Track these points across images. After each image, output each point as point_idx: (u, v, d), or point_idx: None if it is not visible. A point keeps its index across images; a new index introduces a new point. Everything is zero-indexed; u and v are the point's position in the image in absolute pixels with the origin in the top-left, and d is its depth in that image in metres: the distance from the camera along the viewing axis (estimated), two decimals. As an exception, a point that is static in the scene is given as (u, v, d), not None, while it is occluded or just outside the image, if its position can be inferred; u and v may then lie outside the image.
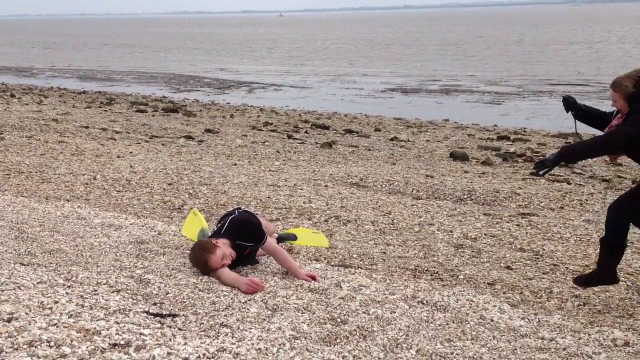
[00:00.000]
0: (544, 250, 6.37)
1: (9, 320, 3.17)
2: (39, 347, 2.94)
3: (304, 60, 43.70)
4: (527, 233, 6.95)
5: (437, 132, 15.90)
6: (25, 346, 2.93)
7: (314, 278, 4.91)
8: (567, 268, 5.84)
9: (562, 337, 4.08)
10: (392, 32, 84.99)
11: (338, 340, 3.72)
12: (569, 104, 5.17)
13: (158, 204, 7.73)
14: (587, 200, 8.70)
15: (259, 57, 47.60)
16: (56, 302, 3.55)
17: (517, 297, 5.02)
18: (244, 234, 5.01)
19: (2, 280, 3.88)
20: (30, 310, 3.36)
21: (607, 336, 4.15)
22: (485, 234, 6.87)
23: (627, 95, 4.66)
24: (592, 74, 30.47)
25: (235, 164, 10.58)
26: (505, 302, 4.80)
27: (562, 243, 6.65)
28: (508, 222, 7.38)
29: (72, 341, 3.01)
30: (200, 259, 4.79)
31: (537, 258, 6.12)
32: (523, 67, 34.85)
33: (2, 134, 12.46)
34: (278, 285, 4.72)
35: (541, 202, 8.49)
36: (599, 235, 6.87)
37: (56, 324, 3.20)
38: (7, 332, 3.04)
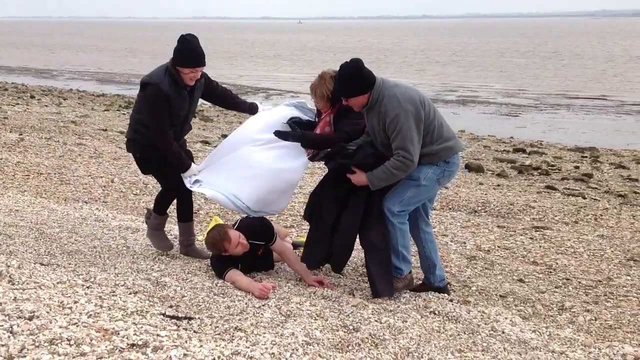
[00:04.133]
0: (557, 264, 6.39)
1: (30, 319, 3.25)
2: (59, 345, 3.01)
3: (322, 68, 43.84)
4: (540, 246, 6.97)
5: (453, 143, 15.93)
6: (46, 344, 3.01)
7: (321, 283, 4.97)
8: (579, 282, 5.86)
9: (573, 351, 4.11)
10: (410, 41, 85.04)
11: (350, 348, 3.78)
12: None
13: (174, 208, 7.81)
14: (601, 215, 8.69)
15: (277, 64, 47.80)
16: (76, 302, 3.63)
17: (528, 310, 5.06)
18: (254, 233, 5.10)
19: (24, 280, 3.97)
20: (50, 310, 3.44)
21: (618, 351, 4.16)
22: (498, 247, 6.90)
23: (329, 97, 5.08)
24: (609, 88, 30.34)
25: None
26: (517, 315, 4.83)
27: (576, 257, 6.66)
28: (522, 235, 7.40)
29: (91, 340, 3.09)
30: (220, 231, 4.91)
31: (550, 272, 6.15)
32: (541, 79, 34.75)
33: (21, 135, 12.64)
34: (292, 292, 4.78)
35: (555, 216, 8.50)
36: (612, 251, 6.89)
37: (76, 323, 3.28)
38: (28, 329, 3.12)
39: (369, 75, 4.74)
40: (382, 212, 4.90)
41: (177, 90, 5.03)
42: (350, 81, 4.71)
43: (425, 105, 4.70)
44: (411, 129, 4.60)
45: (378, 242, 4.91)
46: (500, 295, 5.36)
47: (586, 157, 14.37)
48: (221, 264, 4.99)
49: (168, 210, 5.68)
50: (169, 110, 5.08)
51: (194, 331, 3.59)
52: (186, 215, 5.62)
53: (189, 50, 4.96)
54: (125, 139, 5.45)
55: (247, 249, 4.99)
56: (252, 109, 5.63)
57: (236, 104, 5.63)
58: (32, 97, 21.97)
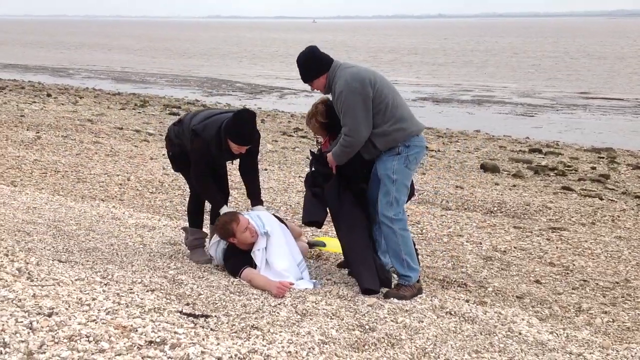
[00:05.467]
0: (574, 265, 6.35)
1: (49, 315, 3.28)
2: (78, 341, 3.04)
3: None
4: (557, 248, 6.93)
5: (468, 143, 15.87)
6: (65, 340, 3.03)
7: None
8: (597, 284, 5.82)
9: (590, 353, 4.08)
10: (425, 41, 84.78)
11: (366, 347, 3.77)
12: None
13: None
14: (619, 216, 8.63)
15: (291, 63, 47.81)
16: (94, 299, 3.66)
17: (545, 312, 5.03)
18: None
19: (42, 276, 4.00)
20: (69, 306, 3.47)
21: (636, 353, 4.14)
22: (514, 247, 6.87)
23: (323, 126, 5.21)
24: (626, 88, 30.10)
25: (265, 169, 10.68)
26: (534, 316, 4.80)
27: (593, 259, 6.62)
28: (538, 235, 7.36)
29: (110, 337, 3.11)
30: (229, 214, 5.07)
31: (567, 273, 6.11)
32: (557, 79, 34.54)
33: (38, 132, 12.74)
34: (307, 291, 4.78)
35: (572, 217, 8.44)
36: (630, 252, 6.84)
37: (95, 320, 3.30)
38: (48, 326, 3.15)
39: (324, 58, 4.95)
40: (380, 223, 4.94)
41: (220, 151, 5.18)
42: (306, 65, 4.95)
43: (375, 84, 4.79)
44: (354, 106, 4.72)
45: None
46: (517, 296, 5.33)
47: (603, 158, 14.27)
48: (236, 262, 5.01)
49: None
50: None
51: (211, 329, 3.61)
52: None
53: (240, 130, 5.07)
54: (166, 133, 5.57)
55: (255, 237, 5.04)
56: (253, 201, 5.53)
57: (248, 187, 5.54)
58: (49, 95, 22.13)
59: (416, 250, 5.35)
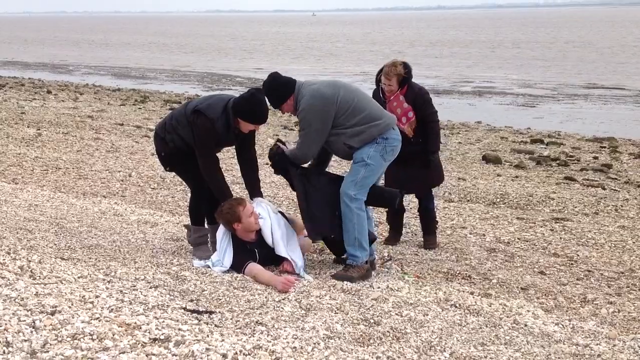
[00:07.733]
0: (578, 256, 6.33)
1: (52, 314, 3.25)
2: (82, 340, 3.01)
3: (336, 60, 43.70)
4: (561, 238, 6.91)
5: (470, 135, 15.81)
6: (69, 339, 3.00)
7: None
8: (601, 274, 5.80)
9: (597, 344, 4.06)
10: (426, 33, 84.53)
11: (372, 341, 3.75)
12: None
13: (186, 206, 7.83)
14: (622, 206, 8.61)
15: (292, 57, 47.71)
16: (97, 297, 3.63)
17: (550, 303, 5.01)
18: None
19: (45, 274, 3.98)
20: (72, 304, 3.44)
21: (643, 344, 4.11)
22: (518, 238, 6.85)
23: (399, 78, 5.87)
24: (626, 78, 30.01)
25: (267, 163, 10.63)
26: (539, 308, 4.79)
27: (597, 249, 6.60)
28: (542, 226, 7.34)
29: (113, 335, 3.08)
30: (236, 198, 5.11)
31: (571, 264, 6.09)
32: (557, 69, 34.44)
33: (39, 130, 12.72)
34: (311, 285, 4.76)
35: (575, 207, 8.42)
36: (634, 242, 6.82)
37: (98, 317, 3.27)
38: (51, 324, 3.12)
39: (288, 81, 5.11)
40: (341, 201, 5.07)
41: (227, 131, 5.14)
42: (272, 91, 5.11)
43: (338, 95, 4.98)
44: (311, 124, 4.98)
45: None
46: (522, 288, 5.30)
47: (605, 147, 14.22)
48: (238, 257, 4.98)
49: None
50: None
51: (215, 325, 3.58)
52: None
53: (259, 109, 5.09)
54: (154, 133, 5.44)
55: (258, 225, 5.05)
56: (252, 193, 5.44)
57: (248, 176, 5.46)
58: (49, 92, 22.08)
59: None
